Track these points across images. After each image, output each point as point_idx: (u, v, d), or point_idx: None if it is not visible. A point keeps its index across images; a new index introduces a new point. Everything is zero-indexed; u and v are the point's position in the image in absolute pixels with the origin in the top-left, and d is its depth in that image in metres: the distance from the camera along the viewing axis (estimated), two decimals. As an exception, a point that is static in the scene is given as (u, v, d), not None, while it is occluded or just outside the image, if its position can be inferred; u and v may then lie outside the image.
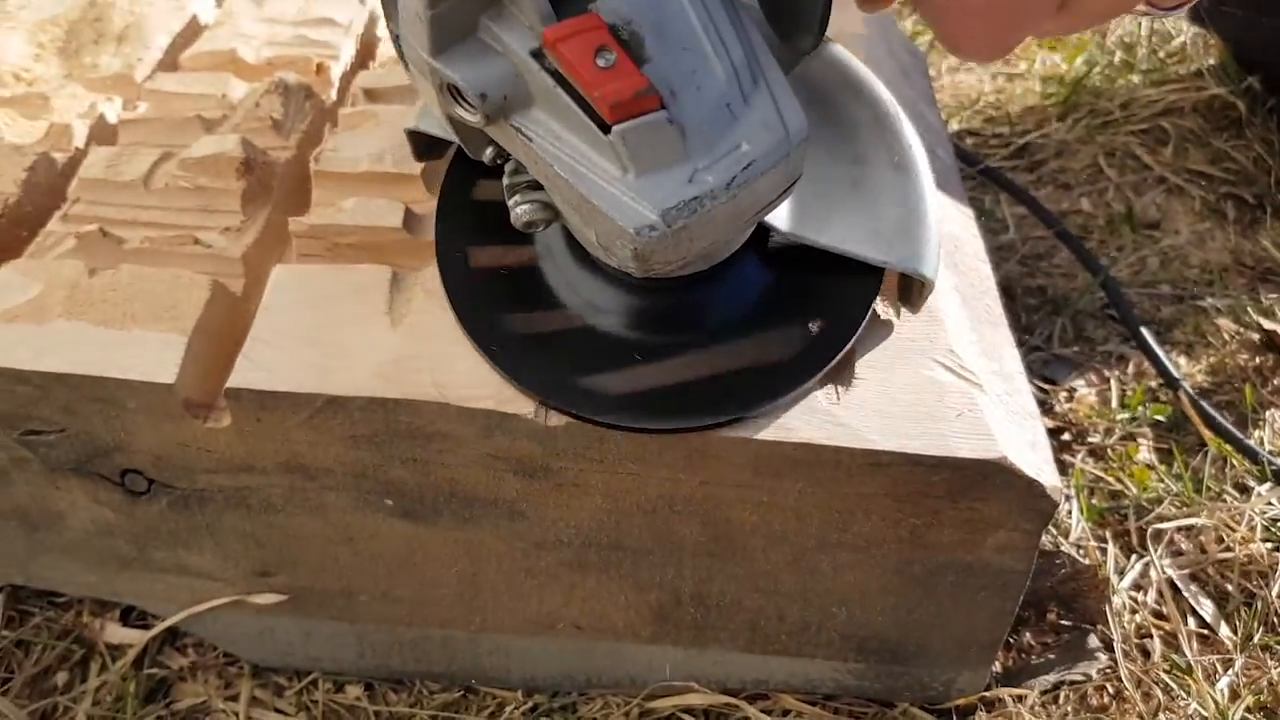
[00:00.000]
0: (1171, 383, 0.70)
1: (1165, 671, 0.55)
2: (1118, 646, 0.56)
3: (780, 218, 0.43)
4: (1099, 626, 0.57)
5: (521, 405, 0.42)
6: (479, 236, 0.46)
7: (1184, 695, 0.54)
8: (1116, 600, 0.58)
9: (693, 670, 0.52)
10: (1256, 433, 0.68)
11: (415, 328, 0.45)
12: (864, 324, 0.43)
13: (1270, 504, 0.63)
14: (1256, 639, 0.57)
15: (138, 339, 0.44)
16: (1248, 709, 0.53)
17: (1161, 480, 0.65)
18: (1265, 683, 0.54)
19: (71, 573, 0.52)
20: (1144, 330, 0.73)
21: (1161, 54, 1.04)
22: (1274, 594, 0.59)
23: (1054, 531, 0.62)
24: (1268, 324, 0.75)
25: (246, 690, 0.53)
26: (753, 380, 0.42)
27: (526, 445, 0.43)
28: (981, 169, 0.87)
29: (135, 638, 0.54)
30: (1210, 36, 1.01)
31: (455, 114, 0.37)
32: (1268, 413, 0.70)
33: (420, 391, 0.42)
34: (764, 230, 0.43)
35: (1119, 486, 0.65)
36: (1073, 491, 0.65)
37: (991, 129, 0.98)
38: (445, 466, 0.44)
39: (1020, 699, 0.53)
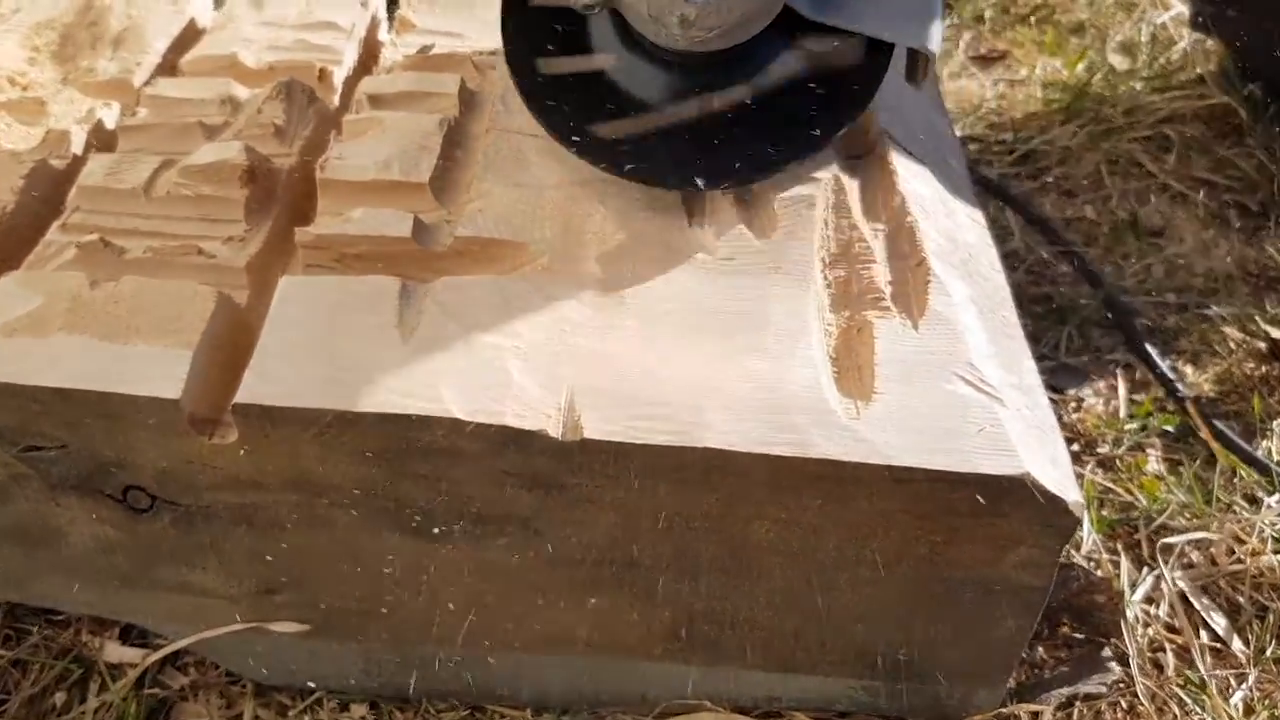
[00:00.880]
0: (1179, 399, 0.70)
1: (1179, 686, 0.55)
2: (1133, 661, 0.55)
3: (802, 2, 0.48)
4: (1112, 640, 0.57)
5: (537, 422, 0.41)
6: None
7: (1199, 710, 0.54)
8: (1129, 613, 0.58)
9: (705, 688, 0.52)
10: (1265, 443, 0.68)
11: (426, 341, 0.44)
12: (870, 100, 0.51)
13: (1281, 516, 0.63)
14: (1269, 653, 0.56)
15: (142, 353, 0.43)
16: (1263, 724, 0.53)
17: (1171, 492, 0.65)
18: (1280, 697, 0.54)
19: (71, 590, 0.51)
20: (1149, 347, 0.73)
21: (1162, 60, 1.04)
22: (1287, 607, 0.58)
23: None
24: (1275, 332, 0.75)
25: (250, 711, 0.52)
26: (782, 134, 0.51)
27: (541, 461, 0.42)
28: (979, 181, 0.87)
29: (136, 657, 0.53)
30: (1211, 43, 1.01)
31: None
32: (1275, 423, 0.69)
33: (433, 407, 0.41)
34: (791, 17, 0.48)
35: (1129, 498, 0.65)
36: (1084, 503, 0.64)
37: (994, 135, 0.98)
38: (457, 483, 0.43)
39: (1036, 715, 0.53)
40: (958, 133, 0.98)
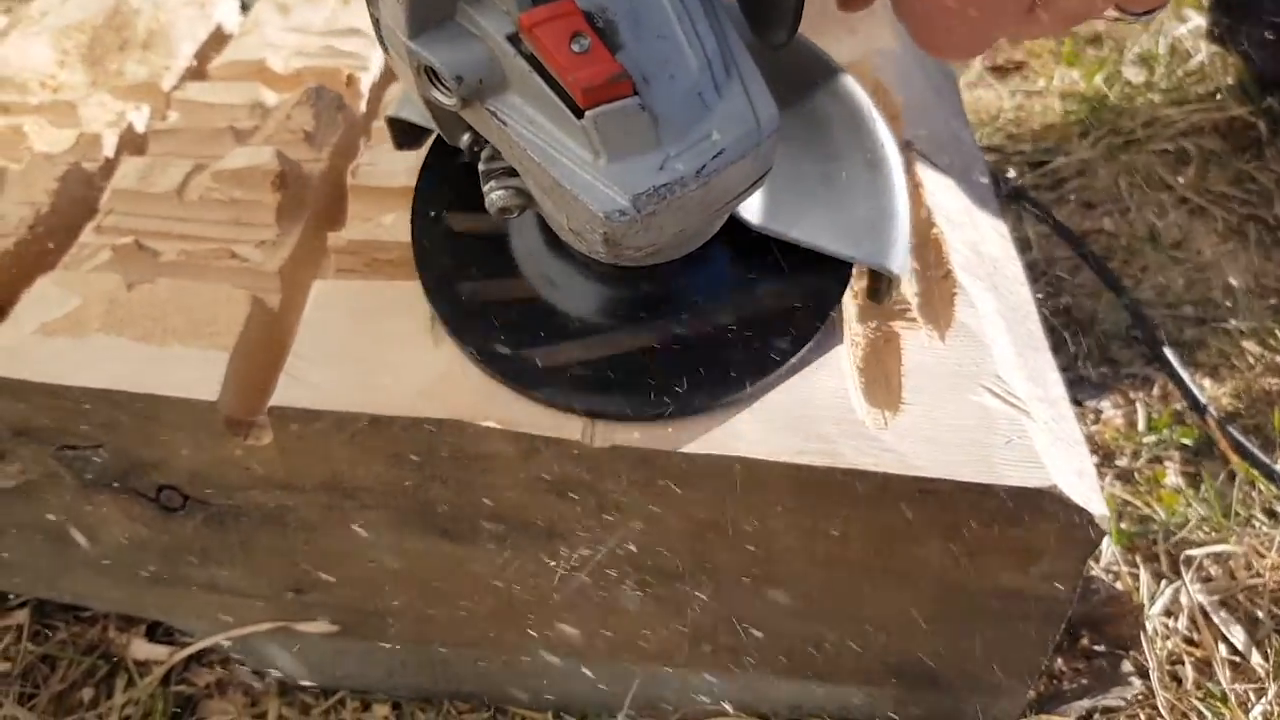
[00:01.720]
0: (1199, 410, 0.70)
1: (1199, 699, 0.55)
2: (1154, 674, 0.55)
3: (753, 210, 0.43)
4: (1131, 652, 0.57)
5: (569, 429, 0.42)
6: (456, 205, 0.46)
7: (1218, 724, 0.54)
8: (1149, 626, 0.58)
9: (726, 694, 0.52)
10: (1284, 458, 0.68)
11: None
12: (821, 329, 0.44)
13: (1300, 530, 0.63)
14: (1288, 667, 0.56)
15: (178, 355, 0.43)
16: (1283, 738, 0.53)
17: (1190, 504, 0.65)
18: (1300, 712, 0.54)
19: (99, 588, 0.52)
20: (1170, 355, 0.73)
21: (1180, 73, 1.04)
22: (1306, 622, 0.58)
23: (1084, 555, 0.62)
24: (1294, 347, 0.75)
25: (274, 709, 0.53)
26: (705, 377, 0.42)
27: (571, 468, 0.42)
28: (1010, 192, 0.87)
29: (162, 654, 0.53)
30: (1229, 56, 1.01)
31: (432, 96, 0.37)
32: (1294, 437, 0.70)
33: (466, 412, 0.42)
34: (736, 224, 0.43)
35: (1147, 511, 0.65)
36: (1102, 515, 0.64)
37: (1013, 146, 0.98)
38: (486, 487, 0.44)
39: (1056, 726, 0.53)
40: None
